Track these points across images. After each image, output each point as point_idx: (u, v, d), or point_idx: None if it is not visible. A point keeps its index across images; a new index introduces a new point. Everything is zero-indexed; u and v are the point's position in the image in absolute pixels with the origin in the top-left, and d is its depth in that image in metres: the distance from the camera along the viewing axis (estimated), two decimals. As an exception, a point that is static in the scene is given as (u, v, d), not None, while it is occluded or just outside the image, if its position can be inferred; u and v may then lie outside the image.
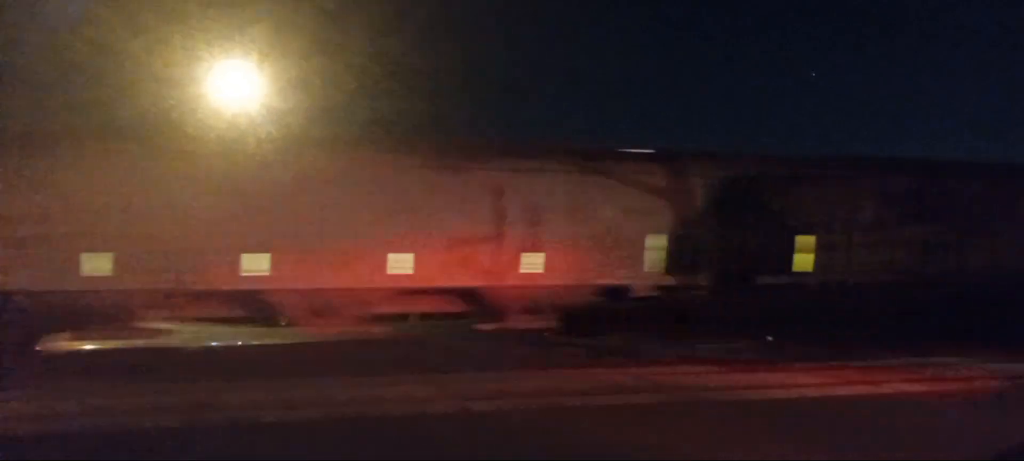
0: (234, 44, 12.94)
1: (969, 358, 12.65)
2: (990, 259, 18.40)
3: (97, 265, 13.59)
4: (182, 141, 12.95)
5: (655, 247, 16.77)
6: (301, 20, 13.00)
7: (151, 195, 13.49)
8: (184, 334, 13.63)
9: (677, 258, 16.88)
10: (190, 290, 14.04)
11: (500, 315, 15.89)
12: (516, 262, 16.07)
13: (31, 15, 12.25)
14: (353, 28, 13.36)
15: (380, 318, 15.21)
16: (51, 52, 12.13)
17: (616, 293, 16.55)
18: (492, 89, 16.82)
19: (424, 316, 15.82)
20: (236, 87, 13.51)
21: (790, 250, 17.53)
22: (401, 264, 15.41)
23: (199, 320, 14.00)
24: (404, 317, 15.71)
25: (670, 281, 16.91)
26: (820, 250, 17.60)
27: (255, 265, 14.47)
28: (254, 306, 14.53)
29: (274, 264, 14.54)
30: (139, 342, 13.29)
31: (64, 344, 12.93)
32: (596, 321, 15.80)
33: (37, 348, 12.54)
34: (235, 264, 14.36)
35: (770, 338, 15.14)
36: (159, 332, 13.67)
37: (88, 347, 13.00)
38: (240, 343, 13.86)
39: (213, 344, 13.61)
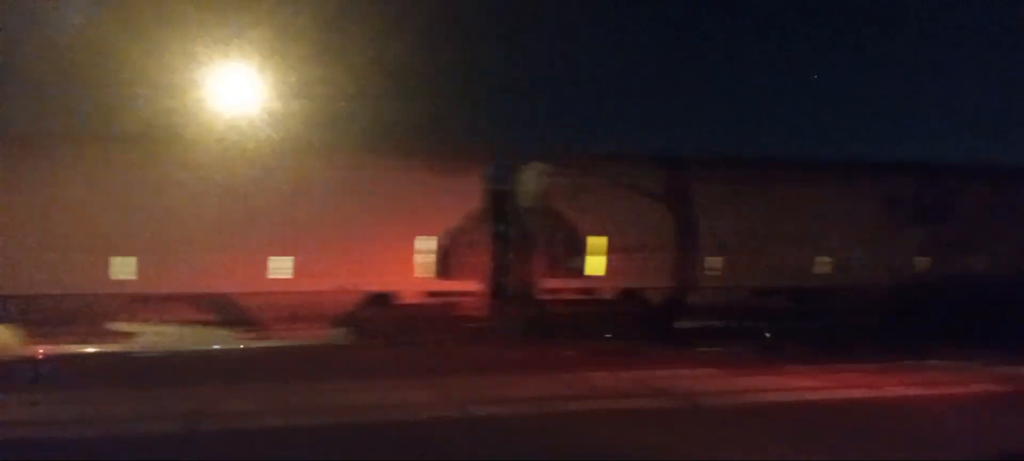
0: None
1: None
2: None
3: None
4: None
5: (426, 250, 15.29)
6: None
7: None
8: None
9: (450, 261, 15.44)
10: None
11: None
12: (263, 266, 14.43)
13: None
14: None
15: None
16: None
17: (379, 300, 15.08)
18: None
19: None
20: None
21: (581, 252, 16.23)
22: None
23: None
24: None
25: (446, 286, 15.50)
26: (613, 253, 16.33)
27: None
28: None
29: None
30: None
31: None
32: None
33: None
34: None
35: (768, 335, 15.24)
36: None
37: None
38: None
39: None
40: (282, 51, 13.79)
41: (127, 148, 13.66)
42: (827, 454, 7.34)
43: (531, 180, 16.25)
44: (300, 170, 14.27)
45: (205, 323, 14.41)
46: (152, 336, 14.09)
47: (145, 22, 12.85)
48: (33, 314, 12.98)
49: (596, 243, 16.29)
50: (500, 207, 16.03)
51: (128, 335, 13.97)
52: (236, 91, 13.82)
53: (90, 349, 13.36)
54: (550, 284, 16.15)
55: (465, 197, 15.59)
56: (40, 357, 11.63)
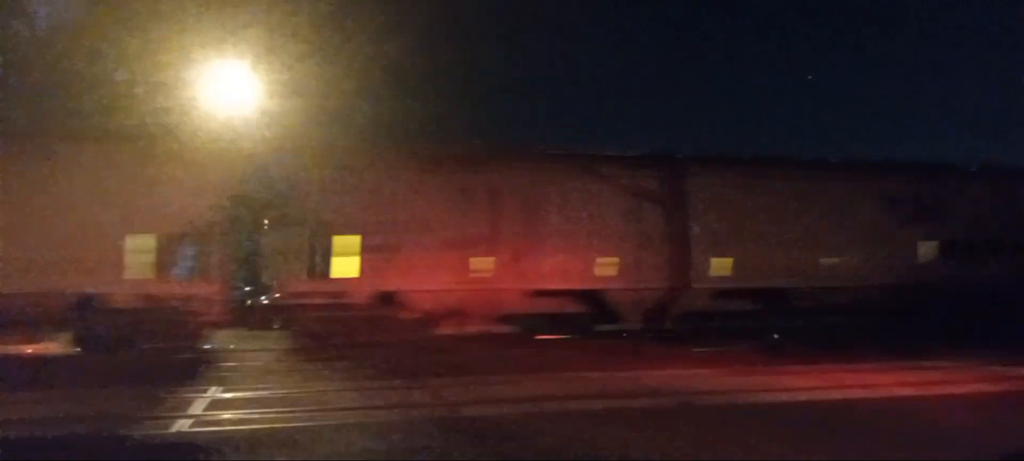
0: None
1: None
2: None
3: None
4: None
5: (138, 249, 13.78)
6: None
7: None
8: None
9: (171, 262, 13.95)
10: None
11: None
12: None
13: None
14: None
15: None
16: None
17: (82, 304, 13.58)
18: None
19: None
20: None
21: (326, 253, 14.71)
22: None
23: None
24: None
25: (164, 289, 13.99)
26: (368, 252, 14.80)
27: None
28: None
29: None
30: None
31: None
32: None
33: None
34: None
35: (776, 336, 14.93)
36: None
37: None
38: None
39: None
40: None
41: None
42: (827, 454, 7.02)
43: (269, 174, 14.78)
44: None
45: None
46: None
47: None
48: None
49: (345, 243, 14.78)
50: (236, 202, 14.55)
51: None
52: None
53: None
54: (293, 288, 14.65)
55: (193, 190, 14.08)
56: None
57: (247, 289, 14.67)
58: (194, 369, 11.53)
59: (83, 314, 13.51)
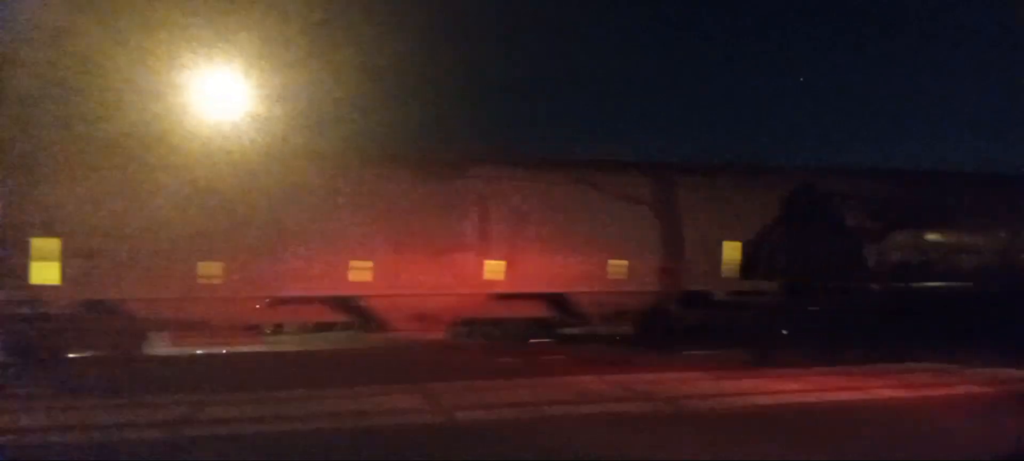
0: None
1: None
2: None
3: None
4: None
5: None
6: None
7: None
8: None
9: None
10: None
11: None
12: None
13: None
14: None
15: None
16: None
17: None
18: None
19: None
20: None
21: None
22: None
23: None
24: None
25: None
26: (71, 257, 13.36)
27: None
28: None
29: None
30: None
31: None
32: None
33: None
34: None
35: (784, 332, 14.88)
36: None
37: None
38: None
39: None
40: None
41: None
42: (827, 454, 7.23)
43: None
44: None
45: None
46: None
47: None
48: None
49: (44, 246, 13.31)
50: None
51: None
52: None
53: None
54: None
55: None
56: None
57: None
58: None
59: None
